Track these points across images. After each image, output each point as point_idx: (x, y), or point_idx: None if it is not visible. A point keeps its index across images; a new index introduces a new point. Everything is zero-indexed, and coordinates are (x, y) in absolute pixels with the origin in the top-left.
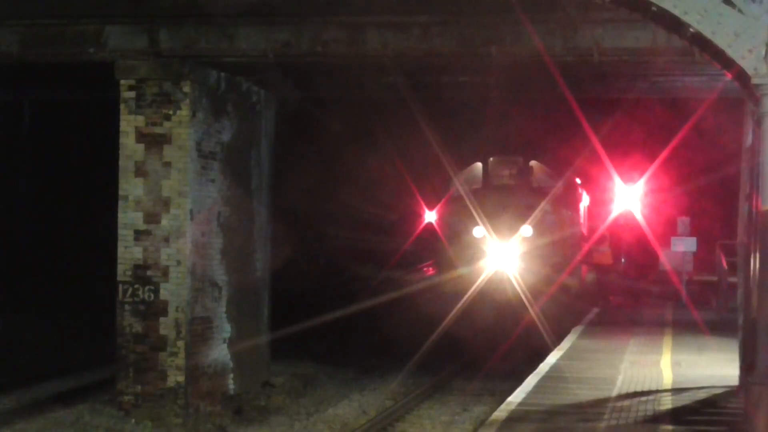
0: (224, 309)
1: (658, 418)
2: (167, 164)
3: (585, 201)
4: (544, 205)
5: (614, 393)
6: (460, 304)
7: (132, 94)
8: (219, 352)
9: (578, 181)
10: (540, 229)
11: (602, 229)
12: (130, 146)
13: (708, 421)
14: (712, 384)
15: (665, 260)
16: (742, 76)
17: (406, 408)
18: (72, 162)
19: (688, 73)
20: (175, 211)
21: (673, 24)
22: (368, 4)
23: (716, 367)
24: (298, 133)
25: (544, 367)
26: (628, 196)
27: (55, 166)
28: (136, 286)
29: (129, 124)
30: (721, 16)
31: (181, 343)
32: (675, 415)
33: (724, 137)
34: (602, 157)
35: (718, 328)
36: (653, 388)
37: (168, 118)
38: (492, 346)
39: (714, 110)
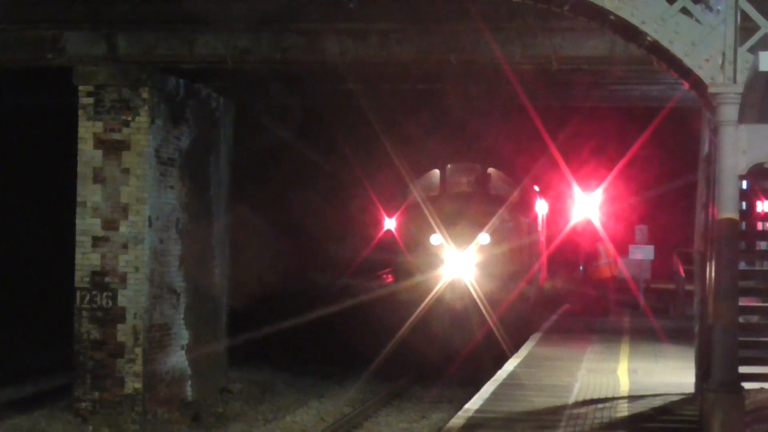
0: (182, 316)
1: (614, 425)
2: (126, 171)
3: (543, 209)
4: (501, 212)
5: (571, 400)
6: (417, 312)
7: (90, 100)
8: (177, 359)
9: (536, 188)
10: (497, 236)
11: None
12: (88, 152)
13: (664, 428)
14: (668, 391)
15: (623, 268)
16: (698, 84)
17: (364, 415)
18: (30, 167)
19: (645, 82)
20: (133, 218)
21: (631, 33)
22: (327, 12)
23: (673, 374)
24: (254, 141)
25: (501, 374)
26: (587, 204)
27: (12, 171)
28: (93, 292)
29: (87, 130)
30: (679, 25)
31: (138, 350)
32: (631, 422)
33: (681, 146)
34: (561, 165)
35: (675, 335)
36: (610, 395)
37: (127, 124)
38: (450, 354)
39: (671, 119)
